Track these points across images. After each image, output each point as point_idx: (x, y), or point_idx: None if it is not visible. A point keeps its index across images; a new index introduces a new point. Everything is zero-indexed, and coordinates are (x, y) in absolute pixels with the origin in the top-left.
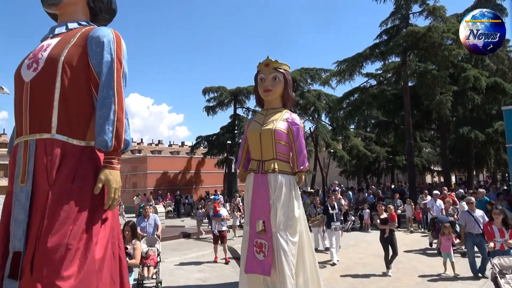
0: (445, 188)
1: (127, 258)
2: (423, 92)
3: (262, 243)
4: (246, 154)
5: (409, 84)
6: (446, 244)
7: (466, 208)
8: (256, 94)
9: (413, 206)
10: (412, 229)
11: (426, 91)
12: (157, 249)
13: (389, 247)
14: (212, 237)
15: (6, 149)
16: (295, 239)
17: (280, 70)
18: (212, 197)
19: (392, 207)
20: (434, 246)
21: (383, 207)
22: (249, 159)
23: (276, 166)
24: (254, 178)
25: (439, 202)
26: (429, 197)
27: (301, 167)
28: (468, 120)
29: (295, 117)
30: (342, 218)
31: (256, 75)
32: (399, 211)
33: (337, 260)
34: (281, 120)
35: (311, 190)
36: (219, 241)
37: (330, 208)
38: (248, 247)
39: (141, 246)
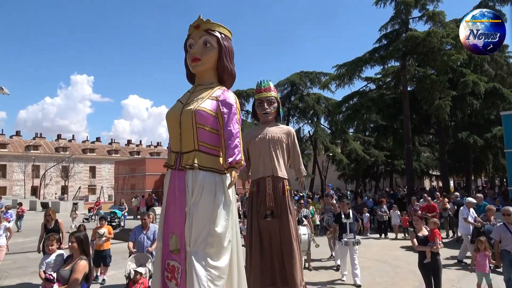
0: (438, 193)
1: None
2: (422, 97)
3: (174, 266)
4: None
5: (408, 88)
6: (481, 262)
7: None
8: (186, 67)
9: (399, 213)
10: (398, 237)
11: (425, 95)
12: (149, 270)
13: (432, 277)
14: None
15: (4, 150)
16: (217, 263)
17: (214, 33)
18: None
19: (435, 220)
20: (467, 261)
21: (421, 220)
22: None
23: (197, 160)
24: (170, 176)
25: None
26: (422, 201)
27: (229, 160)
28: (466, 125)
29: (230, 95)
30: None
31: (186, 42)
32: (386, 218)
33: (359, 286)
34: (208, 98)
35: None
36: None
37: (343, 216)
38: (159, 270)
39: (86, 266)
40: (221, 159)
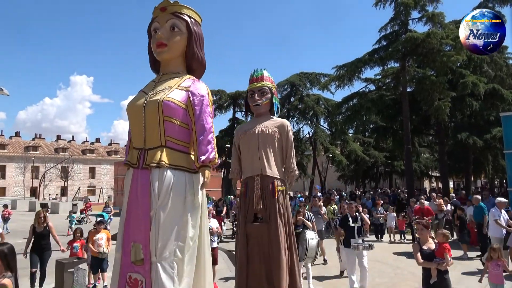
0: (433, 194)
1: None
2: (421, 98)
3: (137, 279)
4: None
5: (408, 89)
6: (495, 272)
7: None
8: (150, 54)
9: (395, 215)
10: (393, 239)
11: (424, 96)
12: None
13: None
14: None
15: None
16: (188, 274)
17: (182, 16)
18: None
19: (445, 232)
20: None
21: (427, 229)
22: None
23: (164, 158)
24: (132, 176)
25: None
26: (427, 203)
27: (201, 158)
28: (466, 126)
29: (201, 85)
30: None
31: (150, 25)
32: (381, 220)
33: None
34: (177, 88)
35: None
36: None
37: (350, 220)
38: (118, 284)
39: (10, 285)
40: (192, 156)
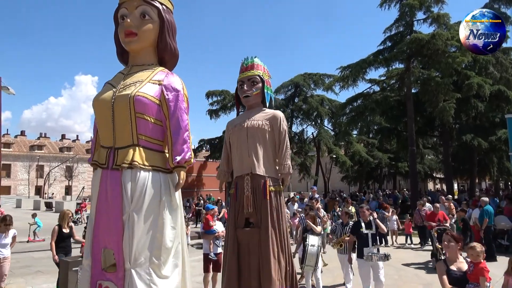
0: (442, 197)
1: None
2: (426, 99)
3: (108, 287)
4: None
5: (413, 90)
6: None
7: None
8: (117, 43)
9: (397, 218)
10: (397, 243)
11: (429, 98)
12: None
13: None
14: (204, 262)
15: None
16: (166, 281)
17: (153, 3)
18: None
19: (478, 246)
20: None
21: (457, 243)
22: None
23: (137, 158)
24: (101, 177)
25: None
26: (428, 205)
27: (177, 159)
28: (471, 127)
29: (175, 79)
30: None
31: (116, 11)
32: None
33: None
34: (149, 82)
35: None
36: (211, 269)
37: (363, 226)
38: None
39: None
40: (167, 154)
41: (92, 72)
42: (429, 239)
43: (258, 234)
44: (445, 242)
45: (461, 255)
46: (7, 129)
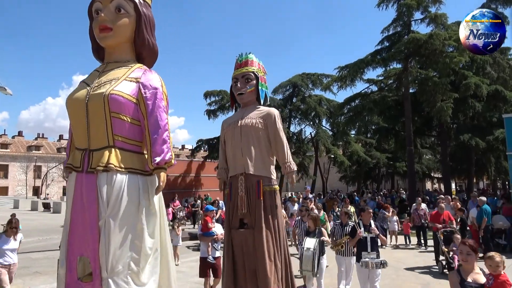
0: (442, 196)
1: None
2: (424, 99)
3: None
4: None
5: (410, 90)
6: None
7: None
8: (92, 39)
9: (397, 218)
10: (396, 243)
11: (427, 98)
12: None
13: None
14: (200, 266)
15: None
16: (144, 287)
17: None
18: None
19: (497, 256)
20: None
21: (475, 254)
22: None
23: (113, 160)
24: (76, 181)
25: None
26: (423, 205)
27: (156, 160)
28: (469, 127)
29: (153, 76)
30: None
31: (90, 5)
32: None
33: None
34: (125, 80)
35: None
36: (211, 274)
37: (362, 228)
38: None
39: None
40: (145, 156)
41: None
42: (433, 241)
43: (252, 235)
44: (463, 254)
45: (476, 263)
46: (5, 130)
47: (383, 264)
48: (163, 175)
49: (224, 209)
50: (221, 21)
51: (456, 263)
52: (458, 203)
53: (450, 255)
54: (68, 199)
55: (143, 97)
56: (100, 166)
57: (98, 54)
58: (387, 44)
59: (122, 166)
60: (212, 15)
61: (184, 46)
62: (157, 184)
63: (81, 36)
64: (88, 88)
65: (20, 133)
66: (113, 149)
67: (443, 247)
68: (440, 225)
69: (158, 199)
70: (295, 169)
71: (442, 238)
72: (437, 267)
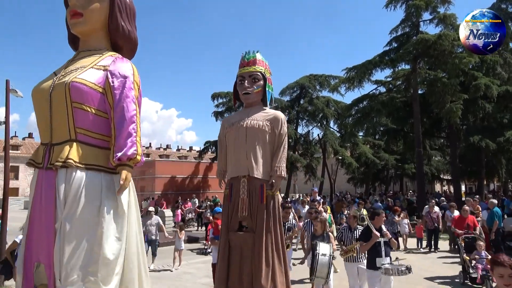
0: (469, 199)
1: None
2: (433, 100)
3: None
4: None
5: (419, 91)
6: None
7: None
8: (68, 28)
9: (407, 221)
10: (407, 245)
11: (436, 99)
12: None
13: None
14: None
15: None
16: None
17: None
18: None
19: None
20: None
21: None
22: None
23: (73, 155)
24: (37, 179)
25: None
26: (436, 208)
27: (117, 155)
28: (479, 128)
29: (124, 64)
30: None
31: None
32: (397, 229)
33: None
34: (92, 68)
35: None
36: None
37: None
38: None
39: None
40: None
41: None
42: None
43: (252, 238)
44: (504, 278)
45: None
46: (15, 132)
47: (408, 269)
48: (125, 172)
49: None
50: (230, 22)
51: (480, 273)
52: (478, 206)
53: (473, 264)
54: (30, 198)
55: (110, 86)
56: (59, 162)
57: (74, 44)
58: (396, 45)
59: (83, 162)
60: (221, 16)
61: (192, 48)
62: (121, 182)
63: None
64: (55, 77)
65: (30, 135)
66: (74, 143)
67: (465, 255)
68: (462, 231)
69: (127, 198)
70: (284, 175)
71: (463, 245)
72: (455, 276)
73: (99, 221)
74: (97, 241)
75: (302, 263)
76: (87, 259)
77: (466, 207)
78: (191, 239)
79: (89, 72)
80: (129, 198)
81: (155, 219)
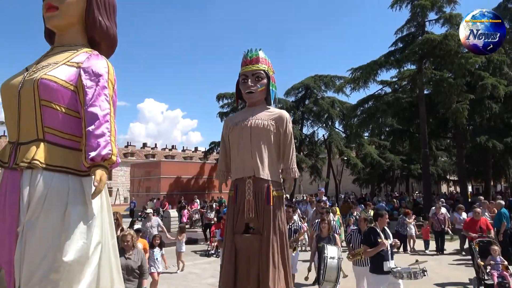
0: (481, 198)
1: None
2: (439, 100)
3: None
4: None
5: (425, 92)
6: None
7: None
8: (44, 23)
9: (414, 222)
10: (414, 247)
11: (442, 99)
12: None
13: None
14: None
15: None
16: None
17: None
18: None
19: None
20: None
21: None
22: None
23: (39, 156)
24: (2, 179)
25: None
26: (444, 209)
27: (90, 155)
28: (485, 129)
29: (98, 61)
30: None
31: None
32: (408, 230)
33: None
34: (65, 64)
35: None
36: None
37: (382, 236)
38: None
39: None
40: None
41: None
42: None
43: (259, 240)
44: None
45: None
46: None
47: (424, 272)
48: (99, 173)
49: None
50: (235, 24)
51: (496, 280)
52: (495, 209)
53: (488, 270)
54: None
55: (82, 84)
56: (24, 162)
57: (51, 39)
58: (401, 45)
59: (50, 163)
60: (226, 18)
61: (198, 49)
62: (96, 185)
63: None
64: (25, 73)
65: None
66: (41, 144)
67: (479, 260)
68: (475, 234)
69: (98, 201)
70: (297, 176)
71: (477, 249)
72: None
73: (64, 227)
74: (60, 248)
75: (309, 268)
76: (48, 267)
77: (478, 209)
78: (192, 240)
79: (61, 69)
80: (101, 200)
81: (155, 220)
